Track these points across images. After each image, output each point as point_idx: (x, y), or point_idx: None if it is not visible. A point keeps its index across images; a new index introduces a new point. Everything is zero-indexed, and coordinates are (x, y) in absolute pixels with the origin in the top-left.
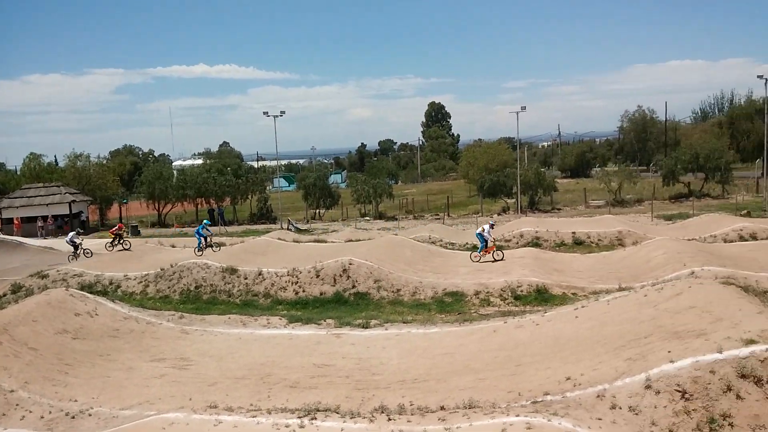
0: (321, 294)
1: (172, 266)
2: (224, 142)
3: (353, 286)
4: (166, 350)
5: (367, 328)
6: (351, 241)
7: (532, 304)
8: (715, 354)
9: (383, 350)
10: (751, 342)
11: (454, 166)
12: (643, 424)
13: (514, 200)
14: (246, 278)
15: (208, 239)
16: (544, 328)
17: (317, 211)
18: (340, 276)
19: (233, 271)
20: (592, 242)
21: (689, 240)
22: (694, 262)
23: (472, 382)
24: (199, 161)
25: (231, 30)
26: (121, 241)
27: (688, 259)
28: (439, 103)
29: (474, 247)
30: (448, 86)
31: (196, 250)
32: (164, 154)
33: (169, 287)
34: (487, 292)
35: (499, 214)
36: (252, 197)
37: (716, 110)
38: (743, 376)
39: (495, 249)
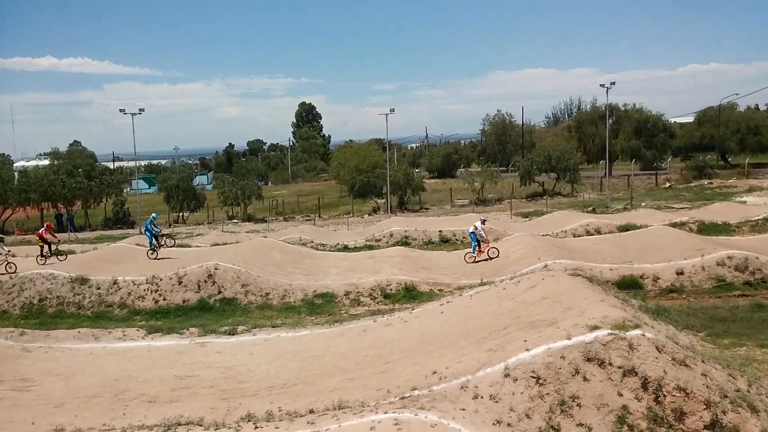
0: (184, 301)
1: (11, 278)
2: (75, 141)
3: (219, 292)
4: (4, 371)
5: (233, 334)
6: (217, 245)
7: (401, 301)
8: (565, 341)
9: (251, 357)
10: (595, 328)
11: (325, 167)
12: (502, 411)
13: (384, 200)
14: (99, 288)
15: (160, 239)
16: (412, 324)
17: (180, 214)
18: (205, 282)
19: (84, 280)
20: (458, 240)
21: (543, 235)
22: (548, 256)
23: (342, 383)
24: (46, 162)
25: (83, 20)
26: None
27: (542, 254)
28: (310, 103)
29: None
30: (318, 87)
31: (150, 252)
32: (4, 154)
33: (7, 302)
34: (358, 292)
35: (369, 215)
36: (107, 201)
37: (566, 115)
38: (589, 360)
39: (490, 247)
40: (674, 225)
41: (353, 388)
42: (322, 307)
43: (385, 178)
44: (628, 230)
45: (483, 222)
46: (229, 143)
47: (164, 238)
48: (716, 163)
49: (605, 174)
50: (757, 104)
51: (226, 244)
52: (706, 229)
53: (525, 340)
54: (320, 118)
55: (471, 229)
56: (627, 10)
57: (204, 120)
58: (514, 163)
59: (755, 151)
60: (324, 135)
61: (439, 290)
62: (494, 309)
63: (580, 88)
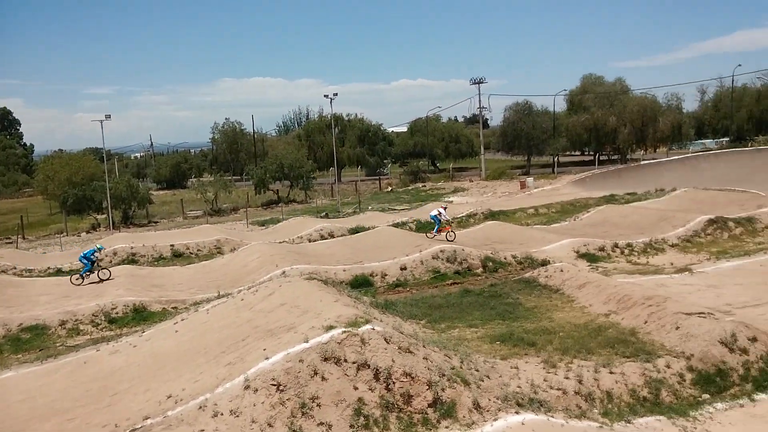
0: None
1: None
2: None
3: None
4: None
5: None
6: None
7: (130, 325)
8: (303, 344)
9: None
10: (331, 327)
11: (28, 181)
12: (244, 425)
13: (105, 216)
14: None
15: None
16: (142, 348)
17: None
18: None
19: None
20: (192, 253)
21: (280, 242)
22: (285, 263)
23: (58, 425)
24: None
25: None
26: None
27: (279, 261)
28: (5, 107)
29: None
30: (14, 89)
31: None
32: None
33: None
34: (76, 320)
35: (88, 232)
36: None
37: (296, 124)
38: (326, 359)
39: (450, 230)
40: (397, 225)
41: (73, 429)
42: (30, 342)
43: (105, 191)
44: (358, 232)
45: (444, 209)
46: None
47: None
48: (428, 168)
49: (335, 180)
50: (456, 116)
51: None
52: (423, 227)
53: (264, 349)
54: (19, 124)
55: (434, 213)
56: (348, 27)
57: None
58: (248, 171)
59: (457, 157)
60: (25, 144)
61: (174, 308)
62: (233, 321)
63: (307, 98)
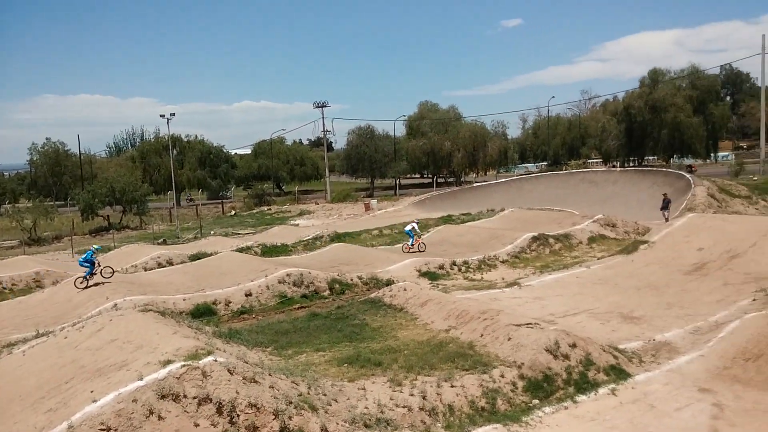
0: None
1: None
2: None
3: None
4: None
5: None
6: None
7: None
8: (137, 382)
9: None
10: (169, 362)
11: None
12: None
13: None
14: None
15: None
16: None
17: None
18: None
19: None
20: (5, 288)
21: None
22: (117, 294)
23: None
24: None
25: None
26: None
27: (110, 292)
28: None
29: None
30: None
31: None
32: None
33: None
34: None
35: None
36: None
37: (129, 145)
38: (163, 397)
39: (420, 242)
40: (241, 250)
41: None
42: None
43: None
44: (199, 258)
45: (417, 223)
46: None
47: None
48: (273, 191)
49: (174, 204)
50: (300, 139)
51: None
52: (269, 251)
53: (92, 391)
54: None
55: (409, 228)
56: (186, 44)
57: None
58: (73, 196)
59: (302, 179)
60: None
61: None
62: (54, 362)
63: (141, 118)
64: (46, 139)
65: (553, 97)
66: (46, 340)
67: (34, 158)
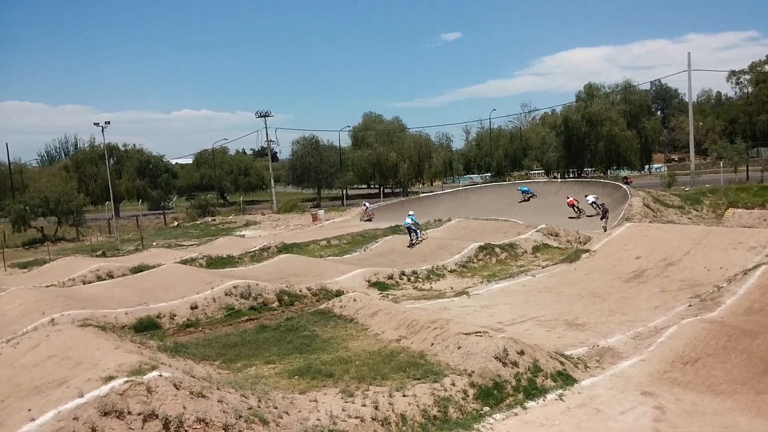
0: None
1: None
2: None
3: None
4: None
5: None
6: None
7: None
8: (77, 399)
9: None
10: (111, 378)
11: None
12: None
13: None
14: None
15: None
16: None
17: None
18: None
19: None
20: None
21: (48, 286)
22: (54, 309)
23: None
24: None
25: None
26: None
27: (47, 307)
28: None
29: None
30: None
31: None
32: None
33: None
34: None
35: None
36: None
37: (63, 153)
38: (106, 414)
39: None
40: (185, 262)
41: None
42: None
43: None
44: (141, 271)
45: (412, 215)
46: None
47: None
48: (217, 201)
49: (112, 215)
50: (244, 149)
51: None
52: (214, 263)
53: (30, 409)
54: None
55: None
56: (121, 49)
57: None
58: (3, 207)
59: (247, 190)
60: None
61: None
62: None
63: (75, 125)
64: None
65: (494, 109)
66: None
67: None
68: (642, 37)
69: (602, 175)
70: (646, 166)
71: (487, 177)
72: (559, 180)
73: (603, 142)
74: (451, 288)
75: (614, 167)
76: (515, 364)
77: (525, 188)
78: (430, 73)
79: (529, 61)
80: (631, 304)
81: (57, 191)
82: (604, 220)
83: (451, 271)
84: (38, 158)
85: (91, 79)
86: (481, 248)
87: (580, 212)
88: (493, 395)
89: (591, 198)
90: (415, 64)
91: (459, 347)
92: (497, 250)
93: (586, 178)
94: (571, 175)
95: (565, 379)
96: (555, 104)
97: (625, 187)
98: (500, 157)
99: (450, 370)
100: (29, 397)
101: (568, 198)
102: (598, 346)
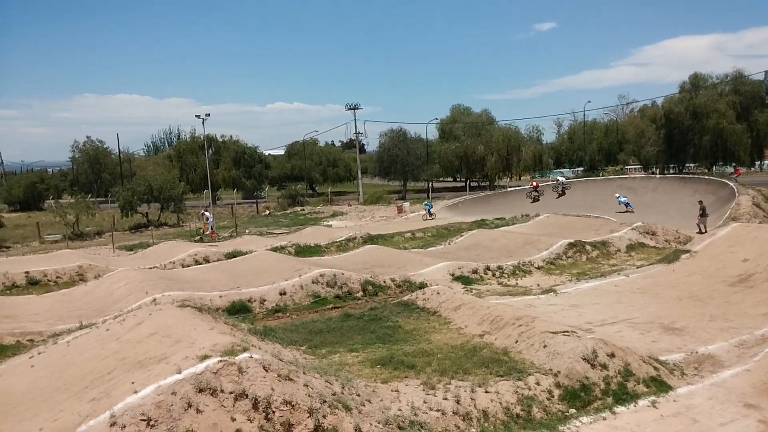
0: None
1: None
2: None
3: None
4: None
5: None
6: None
7: None
8: (176, 375)
9: None
10: (206, 357)
11: None
12: None
13: None
14: None
15: None
16: None
17: None
18: None
19: None
20: (50, 280)
21: (150, 268)
22: (155, 290)
23: None
24: None
25: None
26: None
27: (149, 287)
28: None
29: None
30: None
31: None
32: None
33: None
34: None
35: None
36: None
37: (167, 144)
38: (201, 391)
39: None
40: (275, 249)
41: None
42: None
43: None
44: (234, 257)
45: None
46: None
47: None
48: (306, 192)
49: (210, 203)
50: (333, 141)
51: None
52: (302, 251)
53: (133, 382)
54: None
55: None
56: (221, 46)
57: None
58: (113, 193)
59: (335, 181)
60: None
61: (29, 341)
62: (97, 353)
63: (177, 118)
64: (87, 137)
65: (589, 101)
66: (90, 332)
67: (76, 156)
68: (756, 24)
69: (706, 171)
70: (757, 163)
71: (579, 172)
72: (658, 176)
73: (709, 135)
74: (538, 285)
75: (720, 163)
76: (604, 366)
77: (624, 198)
78: (521, 64)
79: (628, 51)
80: (735, 309)
81: (160, 179)
82: (702, 218)
83: (538, 268)
84: (144, 148)
85: (194, 74)
86: (571, 245)
87: (539, 195)
88: (579, 397)
89: (623, 198)
90: (507, 55)
91: (545, 346)
92: (588, 247)
93: (688, 173)
94: (671, 171)
95: (659, 386)
96: (656, 96)
97: (732, 184)
98: (594, 150)
99: (534, 368)
100: (132, 371)
101: (533, 183)
102: (696, 352)
